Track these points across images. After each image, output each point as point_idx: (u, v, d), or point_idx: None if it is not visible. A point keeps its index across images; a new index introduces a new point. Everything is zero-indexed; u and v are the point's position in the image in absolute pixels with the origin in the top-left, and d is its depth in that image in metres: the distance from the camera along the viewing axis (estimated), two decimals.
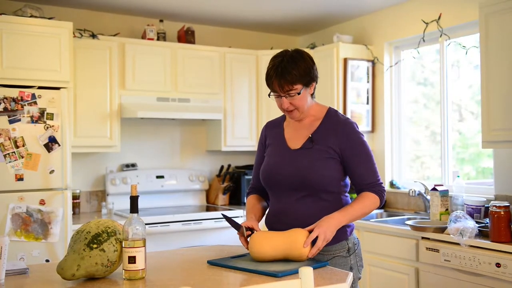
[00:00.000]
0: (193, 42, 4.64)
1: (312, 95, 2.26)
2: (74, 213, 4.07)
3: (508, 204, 2.97)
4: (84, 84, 4.04)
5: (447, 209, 3.54)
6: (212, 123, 4.81)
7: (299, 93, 2.15)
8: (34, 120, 3.41)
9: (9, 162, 3.34)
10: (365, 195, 2.18)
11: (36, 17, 3.65)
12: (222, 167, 4.88)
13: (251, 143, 4.75)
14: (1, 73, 3.40)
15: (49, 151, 3.45)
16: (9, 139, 3.34)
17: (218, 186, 4.79)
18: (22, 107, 3.38)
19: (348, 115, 4.44)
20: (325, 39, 4.98)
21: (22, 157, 3.37)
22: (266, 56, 4.78)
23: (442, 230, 3.23)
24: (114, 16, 4.57)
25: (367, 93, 4.59)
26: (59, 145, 3.48)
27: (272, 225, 2.26)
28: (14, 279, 1.86)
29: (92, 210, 4.42)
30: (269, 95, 2.23)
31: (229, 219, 2.22)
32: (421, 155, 4.53)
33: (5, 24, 3.42)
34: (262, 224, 2.36)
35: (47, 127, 3.45)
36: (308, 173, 2.15)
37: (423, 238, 3.31)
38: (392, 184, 4.50)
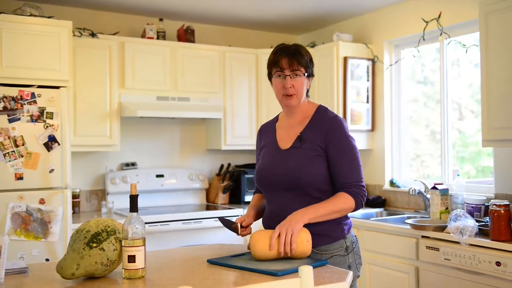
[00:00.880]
0: (192, 41, 4.64)
1: (307, 91, 2.27)
2: (74, 212, 4.07)
3: (508, 203, 2.97)
4: (83, 83, 4.04)
5: (447, 208, 3.54)
6: (212, 122, 4.81)
7: (305, 74, 2.19)
8: (33, 119, 3.41)
9: (9, 161, 3.33)
10: (338, 195, 2.13)
11: (35, 16, 3.65)
12: (222, 166, 4.88)
13: (251, 142, 4.75)
14: (1, 72, 3.40)
15: (48, 150, 3.45)
16: (9, 138, 3.34)
17: (218, 185, 4.79)
18: (22, 106, 3.38)
19: (348, 114, 4.44)
20: (325, 38, 4.98)
21: (22, 156, 3.37)
22: (266, 55, 4.71)
23: (442, 228, 3.23)
24: (114, 15, 4.57)
25: (367, 91, 4.59)
26: (58, 144, 3.48)
27: (269, 226, 2.26)
28: (13, 278, 1.86)
29: (92, 209, 4.42)
30: (270, 76, 2.24)
31: (223, 220, 2.25)
32: (421, 154, 4.53)
33: (5, 23, 3.42)
34: (260, 224, 2.36)
35: (47, 126, 3.45)
36: (297, 173, 2.14)
37: (423, 237, 3.31)
38: (392, 183, 4.50)
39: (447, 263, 3.12)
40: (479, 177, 4.09)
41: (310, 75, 2.24)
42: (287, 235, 1.97)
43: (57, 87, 3.54)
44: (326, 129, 2.18)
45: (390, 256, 3.57)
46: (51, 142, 3.46)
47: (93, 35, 4.09)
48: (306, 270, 1.48)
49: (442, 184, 3.64)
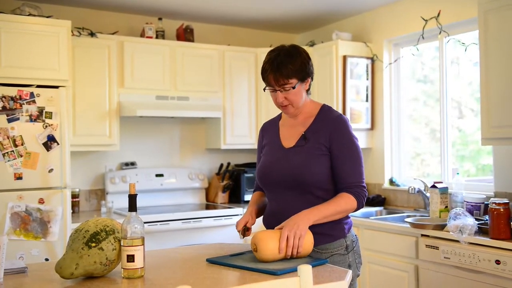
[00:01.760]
0: (192, 40, 4.63)
1: (307, 91, 2.24)
2: (73, 212, 4.07)
3: (507, 201, 2.97)
4: (82, 83, 4.04)
5: (446, 206, 3.54)
6: (211, 121, 4.80)
7: (294, 87, 2.14)
8: (32, 119, 3.41)
9: (8, 161, 3.33)
10: (341, 195, 2.13)
11: (34, 15, 3.65)
12: (221, 165, 4.88)
13: (251, 141, 4.74)
14: (0, 71, 3.39)
15: (48, 150, 3.45)
16: (8, 138, 3.33)
17: (218, 184, 4.78)
18: (21, 106, 3.38)
19: (348, 113, 4.44)
20: (324, 37, 4.97)
21: (21, 156, 3.37)
22: (265, 54, 4.74)
23: (441, 227, 3.23)
24: (113, 14, 4.56)
25: (367, 90, 4.59)
26: (58, 144, 3.48)
27: (270, 225, 2.26)
28: (12, 278, 1.86)
29: (92, 209, 4.42)
30: (264, 89, 2.22)
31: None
32: (421, 153, 4.53)
33: (3, 22, 3.42)
34: (260, 223, 2.36)
35: (46, 126, 3.44)
36: (301, 171, 2.14)
37: (422, 235, 3.31)
38: (391, 182, 4.50)
39: (447, 261, 3.12)
40: (479, 176, 4.09)
41: (306, 77, 2.19)
42: (295, 238, 1.97)
43: (56, 87, 3.53)
44: (330, 128, 2.17)
45: (390, 255, 3.57)
46: (50, 142, 3.46)
47: (92, 34, 4.09)
48: (305, 269, 1.48)
49: (441, 182, 3.64)
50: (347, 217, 2.23)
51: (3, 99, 3.33)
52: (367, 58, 4.58)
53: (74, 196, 4.14)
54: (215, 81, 4.62)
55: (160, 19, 4.57)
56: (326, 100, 4.46)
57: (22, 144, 3.37)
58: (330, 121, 2.20)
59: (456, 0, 3.90)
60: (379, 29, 4.57)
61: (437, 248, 3.19)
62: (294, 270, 1.78)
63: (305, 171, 2.13)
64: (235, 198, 4.81)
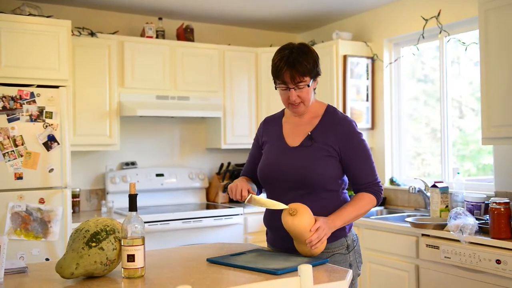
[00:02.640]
0: (192, 40, 4.63)
1: (314, 90, 2.24)
2: (74, 212, 4.07)
3: (508, 201, 2.97)
4: (83, 83, 4.04)
5: (447, 206, 3.53)
6: (211, 121, 4.80)
7: (308, 86, 2.14)
8: (33, 119, 3.41)
9: (8, 161, 3.33)
10: (362, 196, 2.18)
11: (34, 15, 3.65)
12: (222, 165, 4.88)
13: (251, 141, 4.68)
14: (0, 71, 3.39)
15: (48, 150, 3.45)
16: (8, 137, 3.33)
17: (218, 184, 4.78)
18: (21, 105, 3.38)
19: (348, 112, 4.43)
20: (325, 36, 4.97)
21: (21, 155, 3.37)
22: (265, 54, 4.78)
23: (442, 227, 3.23)
24: (113, 14, 4.56)
25: (367, 90, 4.58)
26: (58, 143, 3.48)
27: (271, 224, 2.25)
28: (13, 278, 1.86)
29: (92, 209, 4.42)
30: (276, 87, 2.20)
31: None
32: (422, 152, 4.53)
33: (4, 22, 3.42)
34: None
35: (46, 126, 3.44)
36: (308, 172, 2.13)
37: (423, 235, 3.31)
38: (392, 181, 4.49)
39: (447, 261, 3.12)
40: (480, 175, 4.09)
41: (317, 75, 2.20)
42: (324, 235, 2.00)
43: (57, 87, 3.53)
44: (339, 131, 2.18)
45: (390, 255, 3.56)
46: (50, 142, 3.46)
47: (92, 34, 4.09)
48: (306, 269, 1.48)
49: (442, 182, 3.63)
50: None
51: (4, 99, 3.33)
52: (368, 57, 4.58)
53: (74, 196, 4.14)
54: (215, 81, 4.61)
55: (160, 18, 4.57)
56: (326, 99, 4.43)
57: (22, 144, 3.37)
58: (338, 124, 2.20)
59: (456, 0, 3.90)
60: (380, 28, 4.57)
61: (437, 247, 3.19)
62: (294, 270, 1.77)
63: (311, 171, 2.13)
64: None
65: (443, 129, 4.12)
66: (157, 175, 4.56)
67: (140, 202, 3.83)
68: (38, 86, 3.49)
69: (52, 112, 3.47)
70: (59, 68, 3.58)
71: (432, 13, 4.06)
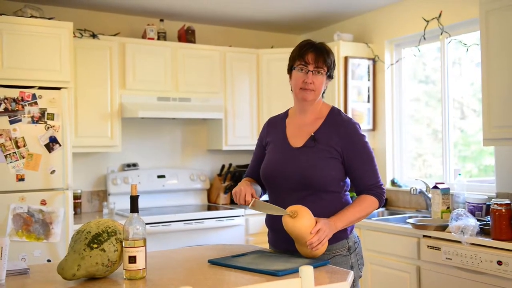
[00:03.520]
0: (193, 42, 4.64)
1: (323, 92, 2.26)
2: (75, 213, 4.07)
3: (509, 202, 2.96)
4: (84, 84, 4.04)
5: (448, 207, 3.53)
6: (213, 122, 4.81)
7: (327, 74, 2.20)
8: (34, 121, 3.41)
9: (10, 162, 3.34)
10: (364, 198, 2.18)
11: (36, 17, 3.65)
12: (223, 166, 4.88)
13: (252, 142, 4.74)
14: (2, 73, 3.40)
15: (50, 151, 3.45)
16: (10, 139, 3.34)
17: (219, 186, 4.79)
18: (23, 107, 3.39)
19: (349, 114, 4.44)
20: (326, 38, 4.97)
21: (23, 157, 3.37)
22: (266, 55, 4.78)
23: (443, 228, 3.22)
24: (115, 16, 4.57)
25: (368, 91, 4.59)
26: (60, 145, 3.48)
27: (272, 225, 2.25)
28: (14, 279, 1.86)
29: (94, 210, 4.42)
30: (291, 69, 2.22)
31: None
32: (423, 153, 4.53)
33: (5, 24, 3.43)
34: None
35: (48, 127, 3.45)
36: (310, 173, 2.13)
37: (424, 236, 3.31)
38: (393, 182, 4.49)
39: (449, 262, 3.12)
40: (481, 176, 4.09)
41: (331, 76, 2.24)
42: (325, 236, 2.00)
43: (58, 88, 3.54)
44: (343, 133, 2.18)
45: (392, 256, 3.56)
46: (52, 143, 3.46)
47: (94, 36, 4.09)
48: (307, 270, 1.48)
49: (443, 183, 3.64)
50: None
51: (5, 100, 3.34)
52: (369, 59, 4.58)
53: (76, 197, 4.14)
54: (217, 82, 4.62)
55: (161, 20, 4.57)
56: (327, 101, 4.38)
57: (24, 146, 3.38)
58: (342, 126, 2.20)
59: (457, 1, 3.90)
60: (381, 30, 4.57)
61: (439, 249, 3.19)
62: (295, 271, 1.77)
63: (313, 173, 2.13)
64: None
65: (445, 130, 4.12)
66: (159, 176, 4.57)
67: (141, 203, 3.81)
68: (40, 87, 3.50)
69: (53, 114, 3.47)
70: (61, 70, 3.58)
71: (433, 14, 4.06)
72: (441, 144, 4.18)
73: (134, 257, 1.79)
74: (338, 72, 4.46)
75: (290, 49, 2.30)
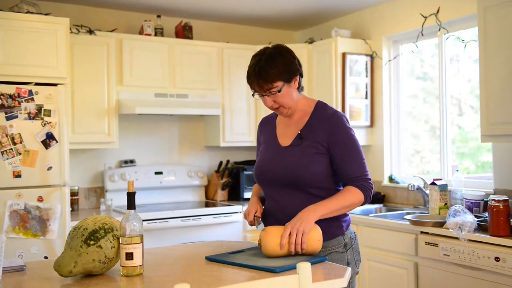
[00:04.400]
0: (190, 38, 4.62)
1: (299, 88, 2.22)
2: (72, 210, 4.06)
3: (507, 198, 2.96)
4: (81, 80, 4.03)
5: (446, 204, 3.53)
6: (210, 118, 4.80)
7: (279, 91, 2.12)
8: (31, 117, 3.40)
9: (7, 159, 3.33)
10: (347, 189, 2.14)
11: (32, 13, 3.63)
12: (220, 162, 4.87)
13: (250, 139, 4.74)
14: None
15: (46, 148, 3.44)
16: (6, 135, 3.33)
17: (217, 182, 4.78)
18: (19, 103, 3.37)
19: (347, 110, 4.43)
20: (323, 34, 4.97)
21: (20, 154, 3.36)
22: None
23: (441, 224, 3.23)
24: (111, 11, 4.55)
25: (366, 87, 4.58)
26: (56, 141, 3.47)
27: (269, 223, 2.24)
28: (11, 276, 1.86)
29: (91, 207, 4.41)
30: (252, 95, 2.20)
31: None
32: (421, 150, 4.53)
33: (1, 20, 3.41)
34: None
35: (45, 124, 3.44)
36: (297, 171, 2.13)
37: (422, 232, 3.31)
38: (391, 179, 4.49)
39: (446, 258, 3.12)
40: (479, 173, 4.09)
41: (291, 77, 2.15)
42: (297, 235, 1.96)
43: (55, 85, 3.52)
44: (327, 126, 2.16)
45: (389, 252, 3.56)
46: (49, 140, 3.45)
47: (90, 32, 4.08)
48: (304, 267, 1.47)
49: (441, 179, 3.63)
50: (346, 214, 2.23)
51: (1, 97, 3.32)
52: (366, 55, 4.58)
53: (73, 194, 4.14)
54: (214, 79, 4.61)
55: (158, 16, 4.56)
56: (325, 97, 4.45)
57: (20, 142, 3.36)
58: (326, 119, 2.18)
59: None
60: (378, 26, 4.56)
61: (436, 245, 3.19)
62: (293, 268, 1.77)
63: (301, 170, 2.13)
64: (234, 196, 4.81)
65: (442, 127, 4.12)
66: (156, 173, 4.56)
67: (138, 200, 3.83)
68: (36, 84, 3.48)
69: (50, 110, 3.46)
70: (57, 66, 3.57)
71: (431, 10, 4.05)
72: (438, 140, 4.18)
73: (131, 253, 1.79)
74: (336, 68, 4.45)
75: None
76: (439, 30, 4.02)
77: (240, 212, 4.29)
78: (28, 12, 3.63)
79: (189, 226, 4.09)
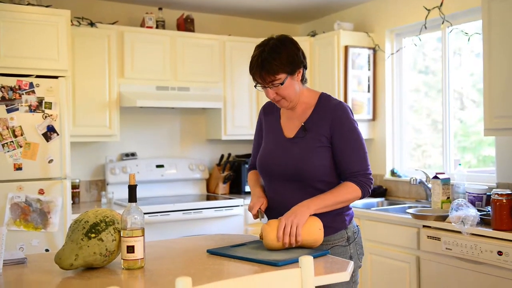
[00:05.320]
0: (192, 30, 4.60)
1: (302, 81, 2.19)
2: (73, 203, 4.06)
3: (510, 192, 2.95)
4: (82, 73, 4.02)
5: (448, 197, 3.52)
6: (212, 111, 4.78)
7: (282, 83, 2.09)
8: (32, 109, 3.39)
9: (8, 151, 3.32)
10: (344, 184, 2.11)
11: (33, 5, 3.61)
12: (222, 156, 4.86)
13: (251, 132, 4.72)
14: None
15: (47, 141, 3.43)
16: (7, 128, 3.32)
17: (218, 175, 4.77)
18: (20, 96, 3.36)
19: (349, 103, 4.41)
20: (326, 27, 4.94)
21: (21, 146, 3.35)
22: None
23: (443, 218, 3.22)
24: (113, 4, 4.53)
25: (368, 81, 4.56)
26: (57, 134, 3.46)
27: (270, 216, 2.23)
28: (12, 269, 1.85)
29: (92, 200, 4.41)
30: (255, 86, 2.16)
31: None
32: (423, 144, 4.51)
33: (2, 12, 3.39)
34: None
35: (46, 116, 3.43)
36: (301, 164, 2.11)
37: (424, 226, 3.30)
38: (393, 173, 4.48)
39: (448, 252, 3.11)
40: (481, 167, 4.08)
41: (295, 69, 2.11)
42: (292, 227, 1.96)
43: (56, 77, 3.51)
44: (330, 117, 2.13)
45: (391, 246, 3.56)
46: (50, 132, 3.44)
47: (92, 24, 4.06)
48: (307, 260, 1.47)
49: (443, 173, 3.62)
50: (349, 208, 2.21)
51: (2, 89, 3.31)
52: (369, 48, 4.55)
53: (74, 186, 4.13)
54: (216, 72, 4.59)
55: (160, 9, 4.54)
56: (327, 90, 4.37)
57: (21, 135, 3.35)
58: (329, 111, 2.15)
59: None
60: (381, 19, 4.54)
61: (438, 239, 3.18)
62: (295, 261, 1.76)
63: (304, 163, 2.11)
64: (235, 189, 4.80)
65: (444, 121, 4.10)
66: (157, 166, 4.55)
67: (140, 193, 3.81)
68: (37, 76, 3.47)
69: (51, 103, 3.45)
70: (59, 58, 3.55)
71: (434, 3, 4.02)
72: (440, 134, 4.16)
73: (132, 247, 1.78)
74: (338, 61, 4.43)
75: None
76: (443, 23, 4.00)
77: (242, 205, 4.28)
78: (29, 4, 3.61)
79: (191, 220, 4.09)
